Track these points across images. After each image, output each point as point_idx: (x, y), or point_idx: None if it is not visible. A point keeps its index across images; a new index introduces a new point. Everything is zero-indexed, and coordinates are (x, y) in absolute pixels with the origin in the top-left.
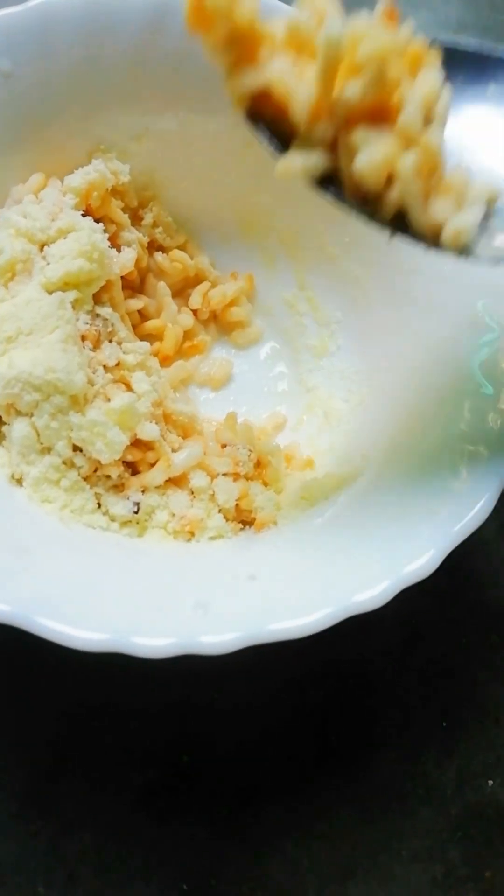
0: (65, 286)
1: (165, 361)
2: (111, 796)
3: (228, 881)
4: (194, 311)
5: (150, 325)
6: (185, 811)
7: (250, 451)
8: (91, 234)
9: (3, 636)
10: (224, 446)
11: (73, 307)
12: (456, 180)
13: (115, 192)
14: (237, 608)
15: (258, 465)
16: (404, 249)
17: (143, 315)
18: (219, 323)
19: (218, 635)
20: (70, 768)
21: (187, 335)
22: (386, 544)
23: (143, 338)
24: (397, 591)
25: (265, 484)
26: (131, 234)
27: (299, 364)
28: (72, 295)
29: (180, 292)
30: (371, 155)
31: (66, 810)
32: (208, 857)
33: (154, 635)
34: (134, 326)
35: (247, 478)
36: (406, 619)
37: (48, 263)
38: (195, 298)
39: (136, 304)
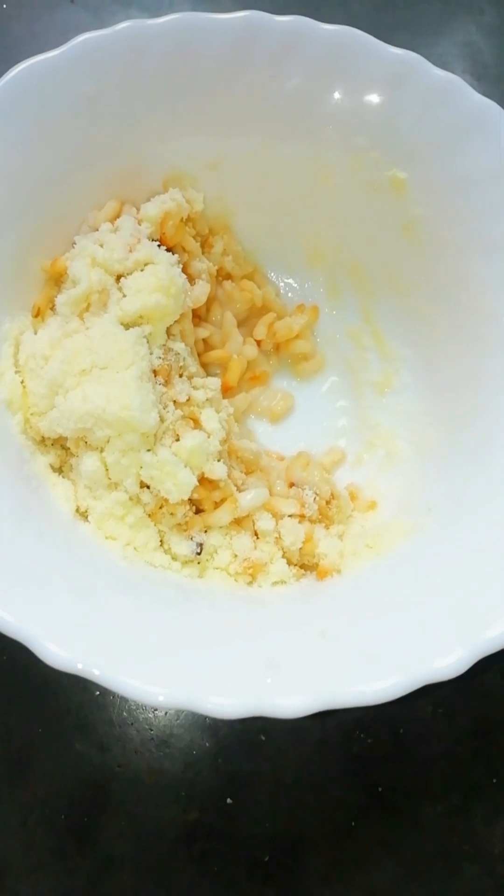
0: (140, 319)
1: (228, 392)
2: (152, 835)
3: None
4: (258, 342)
5: (214, 354)
6: (226, 855)
7: (317, 494)
8: (169, 268)
9: (44, 671)
10: (292, 485)
11: (148, 341)
12: None
13: (188, 219)
14: (309, 669)
15: (328, 502)
16: (481, 292)
17: (207, 344)
18: (281, 354)
19: (290, 697)
20: (112, 805)
21: (249, 366)
22: (459, 606)
23: (205, 366)
24: (475, 660)
25: (328, 525)
26: (202, 264)
27: (361, 399)
28: (147, 329)
29: (244, 321)
30: None
31: (106, 847)
32: None
33: (227, 695)
34: (199, 355)
35: (311, 521)
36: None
37: (124, 296)
38: (260, 329)
39: (202, 332)
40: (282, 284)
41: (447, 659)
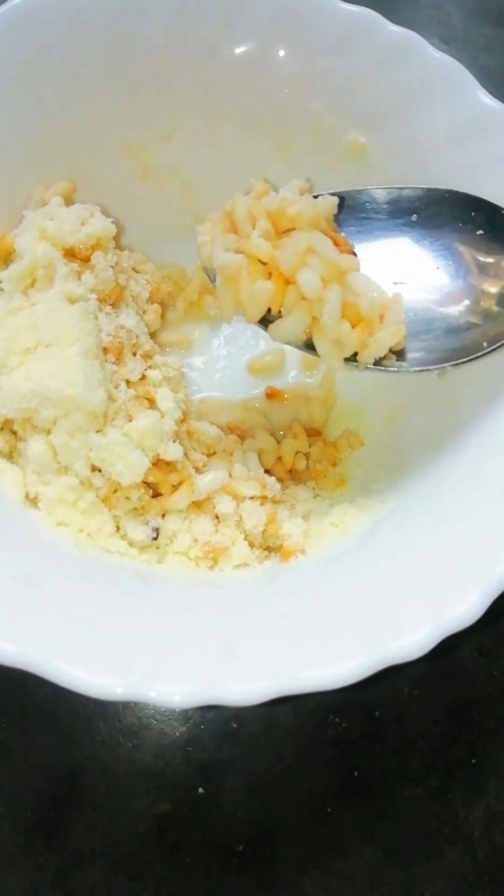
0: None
1: None
2: (123, 828)
3: None
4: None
5: None
6: (199, 845)
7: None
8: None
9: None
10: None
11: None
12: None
13: None
14: (267, 653)
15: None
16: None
17: None
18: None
19: (245, 683)
20: (81, 798)
21: None
22: (424, 583)
23: None
24: (440, 639)
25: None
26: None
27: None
28: (93, 304)
29: None
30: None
31: (75, 842)
32: (222, 895)
33: (175, 682)
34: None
35: (274, 501)
36: (437, 649)
37: (71, 271)
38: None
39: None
40: None
41: (411, 638)
